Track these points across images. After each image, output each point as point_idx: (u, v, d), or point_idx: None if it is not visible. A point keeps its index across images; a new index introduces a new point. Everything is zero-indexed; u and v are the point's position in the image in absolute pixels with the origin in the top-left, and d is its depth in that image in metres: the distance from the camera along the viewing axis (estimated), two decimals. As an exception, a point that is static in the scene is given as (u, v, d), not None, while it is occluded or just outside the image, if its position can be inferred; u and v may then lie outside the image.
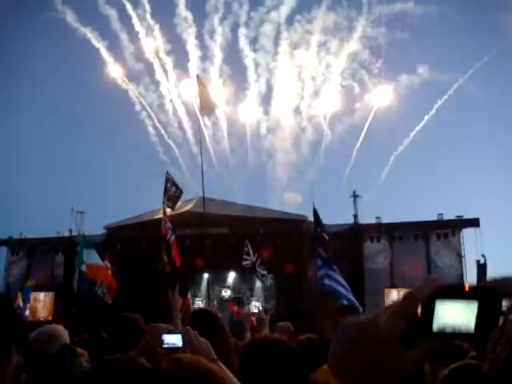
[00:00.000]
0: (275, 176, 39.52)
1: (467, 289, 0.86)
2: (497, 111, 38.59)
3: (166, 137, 38.54)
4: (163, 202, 19.51)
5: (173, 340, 2.62)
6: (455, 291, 0.86)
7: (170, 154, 38.11)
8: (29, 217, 38.17)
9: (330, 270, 17.47)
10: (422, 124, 35.69)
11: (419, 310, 0.87)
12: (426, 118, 35.51)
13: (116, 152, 43.26)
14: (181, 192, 20.03)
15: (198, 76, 21.92)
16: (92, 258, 18.33)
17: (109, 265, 20.87)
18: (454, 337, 0.86)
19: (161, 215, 19.76)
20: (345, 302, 15.98)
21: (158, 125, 38.49)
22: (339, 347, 0.91)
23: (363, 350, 0.87)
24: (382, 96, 35.74)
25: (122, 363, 2.06)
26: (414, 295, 0.87)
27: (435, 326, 0.85)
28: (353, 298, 16.13)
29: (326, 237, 19.57)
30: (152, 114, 38.60)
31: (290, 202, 32.95)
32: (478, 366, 2.06)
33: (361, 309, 15.78)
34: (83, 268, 18.46)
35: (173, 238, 19.14)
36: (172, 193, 19.79)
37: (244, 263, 23.30)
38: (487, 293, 0.86)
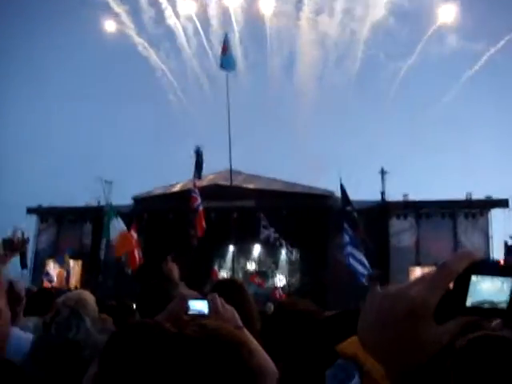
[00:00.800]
0: (304, 151, 39.38)
1: (503, 263, 0.84)
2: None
3: (193, 108, 38.58)
4: (194, 175, 19.90)
5: (199, 306, 2.62)
6: (491, 267, 0.83)
7: (198, 126, 38.14)
8: (58, 186, 38.62)
9: (355, 249, 17.50)
10: (449, 98, 35.12)
11: (452, 284, 0.84)
12: (454, 92, 34.95)
13: (145, 122, 43.49)
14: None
15: (226, 35, 21.91)
16: (119, 227, 18.53)
17: (135, 235, 21.10)
18: (487, 313, 0.83)
19: (189, 187, 20.01)
20: (364, 282, 16.05)
21: (183, 96, 38.54)
22: (370, 318, 0.88)
23: (394, 322, 0.84)
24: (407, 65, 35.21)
25: (144, 327, 2.08)
26: (450, 267, 0.84)
27: (469, 301, 0.82)
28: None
29: (355, 214, 19.57)
30: (175, 83, 38.61)
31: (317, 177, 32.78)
32: (500, 336, 2.04)
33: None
34: (111, 238, 18.69)
35: (200, 207, 19.46)
36: (199, 165, 20.19)
37: (262, 236, 23.42)
38: None
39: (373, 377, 0.80)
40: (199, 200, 19.78)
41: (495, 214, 24.53)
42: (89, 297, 4.21)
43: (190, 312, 2.64)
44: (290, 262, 28.89)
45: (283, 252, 27.80)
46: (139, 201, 28.43)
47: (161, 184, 29.30)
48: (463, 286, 0.82)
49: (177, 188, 27.36)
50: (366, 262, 17.10)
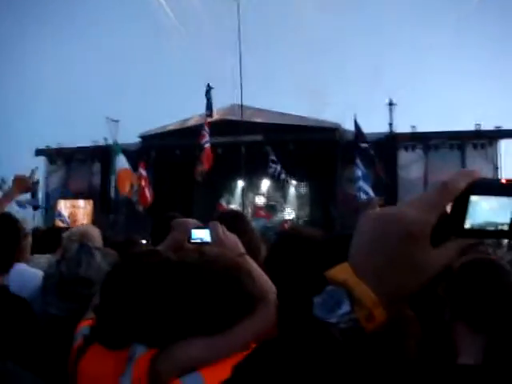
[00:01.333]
0: (311, 84, 38.92)
1: (505, 182, 0.79)
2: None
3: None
4: (206, 113, 20.03)
5: (201, 234, 2.64)
6: (491, 186, 0.79)
7: (204, 62, 37.68)
8: (66, 127, 38.56)
9: (366, 184, 17.56)
10: (456, 26, 34.37)
11: (449, 206, 0.80)
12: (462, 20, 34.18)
13: (150, 61, 42.98)
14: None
15: None
16: (121, 164, 18.65)
17: (144, 173, 21.19)
18: (487, 234, 0.79)
19: (195, 123, 20.06)
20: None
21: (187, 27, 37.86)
22: (362, 241, 0.83)
23: (389, 244, 0.79)
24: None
25: (146, 255, 2.11)
26: (449, 186, 0.80)
27: (468, 223, 0.78)
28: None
29: (372, 152, 19.53)
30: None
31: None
32: (490, 260, 2.04)
33: None
34: (117, 174, 18.85)
35: (207, 144, 19.59)
36: (209, 100, 20.27)
37: (270, 170, 23.49)
38: None
39: (363, 304, 0.77)
40: (207, 137, 19.87)
41: (505, 144, 24.35)
42: (94, 231, 4.27)
43: (193, 240, 2.67)
44: (298, 195, 29.05)
45: (292, 186, 27.86)
46: (146, 138, 28.36)
47: (168, 122, 29.15)
48: (462, 207, 0.78)
49: (185, 125, 27.21)
50: (372, 194, 17.18)
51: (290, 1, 40.10)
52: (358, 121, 21.15)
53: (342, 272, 0.81)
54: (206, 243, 2.57)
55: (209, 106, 20.88)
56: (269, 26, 39.73)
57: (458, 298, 1.46)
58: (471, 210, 0.78)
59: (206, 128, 19.88)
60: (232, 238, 2.47)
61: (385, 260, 0.79)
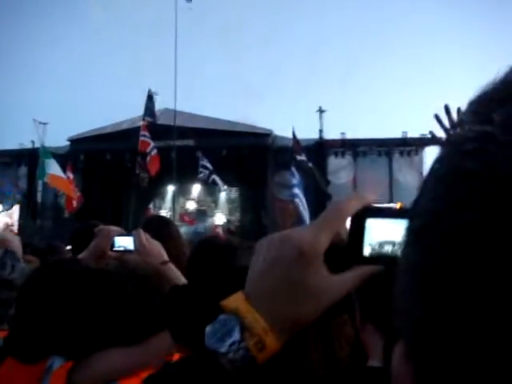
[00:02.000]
0: (246, 90, 39.07)
1: (399, 208, 0.80)
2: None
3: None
4: (143, 118, 19.79)
5: (124, 242, 2.60)
6: (386, 210, 0.78)
7: (139, 62, 37.27)
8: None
9: (301, 192, 17.82)
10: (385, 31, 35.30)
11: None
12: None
13: (80, 60, 42.16)
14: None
15: None
16: (53, 168, 18.17)
17: (71, 176, 20.76)
18: (387, 261, 0.74)
19: (127, 127, 19.82)
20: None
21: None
22: (255, 266, 0.79)
23: (280, 267, 0.76)
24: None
25: (64, 264, 2.05)
26: (342, 207, 0.78)
27: (366, 250, 0.76)
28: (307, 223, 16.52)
29: (310, 164, 19.80)
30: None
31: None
32: None
33: None
34: (46, 179, 18.33)
35: (154, 151, 19.47)
36: (151, 107, 20.12)
37: (199, 176, 23.49)
38: None
39: (254, 331, 0.74)
40: (152, 143, 19.70)
41: (430, 152, 25.06)
42: (12, 237, 4.14)
43: (116, 248, 2.62)
44: (229, 200, 29.09)
45: (223, 191, 27.88)
46: (75, 142, 27.79)
47: (99, 125, 28.66)
48: (358, 231, 0.76)
49: (116, 129, 26.80)
50: (305, 204, 17.43)
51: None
52: (289, 126, 21.43)
53: (235, 300, 0.77)
54: (130, 251, 2.54)
55: (150, 113, 20.59)
56: (204, 26, 39.69)
57: (365, 298, 1.47)
58: (368, 232, 0.76)
59: (147, 133, 19.61)
60: (156, 246, 2.45)
61: (276, 284, 0.76)
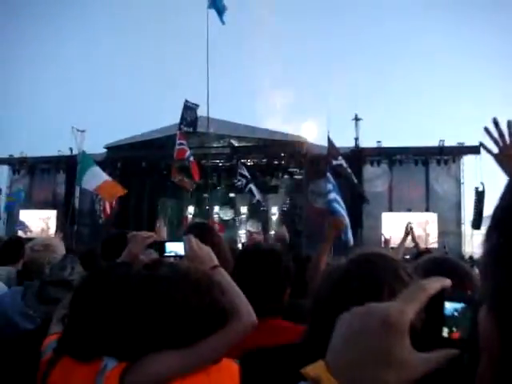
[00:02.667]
0: (279, 99, 39.12)
1: (469, 294, 0.82)
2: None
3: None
4: (179, 128, 19.94)
5: (174, 248, 2.64)
6: (465, 296, 0.81)
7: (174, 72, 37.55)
8: (30, 136, 38.02)
9: (338, 195, 17.73)
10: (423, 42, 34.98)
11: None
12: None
13: (118, 71, 42.73)
14: (196, 117, 20.37)
15: None
16: (98, 176, 18.05)
17: (110, 183, 21.02)
18: (464, 344, 0.77)
19: (162, 134, 19.97)
20: (348, 236, 16.23)
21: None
22: (337, 337, 0.80)
23: (364, 338, 0.76)
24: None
25: (117, 268, 2.10)
26: (423, 285, 0.81)
27: (445, 331, 0.79)
28: (349, 233, 16.37)
29: (347, 167, 19.72)
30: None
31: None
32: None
33: (351, 242, 15.88)
34: (86, 186, 18.36)
35: (192, 158, 19.67)
36: (190, 117, 20.26)
37: (237, 184, 23.51)
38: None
39: None
40: (188, 150, 19.86)
41: (467, 160, 24.77)
42: (57, 242, 4.23)
43: (167, 254, 2.66)
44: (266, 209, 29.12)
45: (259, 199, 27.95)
46: (112, 149, 28.13)
47: (135, 133, 28.97)
48: (438, 312, 0.80)
49: (152, 136, 27.05)
50: (344, 207, 17.35)
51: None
52: (326, 136, 21.39)
53: (316, 368, 0.78)
54: (180, 256, 2.57)
55: (187, 123, 20.76)
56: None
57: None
58: (446, 317, 0.79)
59: (184, 141, 19.80)
60: (206, 251, 2.48)
61: (360, 355, 0.76)
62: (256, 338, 2.13)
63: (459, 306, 0.80)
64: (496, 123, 2.35)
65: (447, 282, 0.82)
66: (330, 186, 18.09)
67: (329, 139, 20.32)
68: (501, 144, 2.35)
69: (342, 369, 0.76)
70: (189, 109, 20.42)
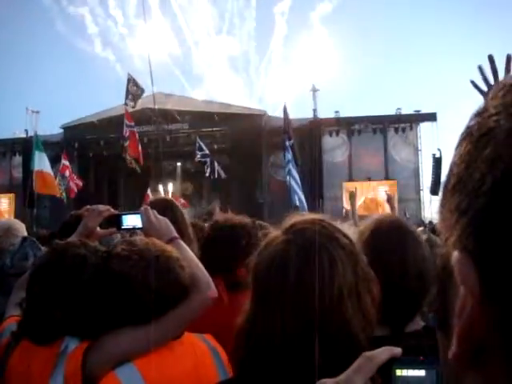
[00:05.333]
0: (235, 72, 38.98)
1: (421, 359, 0.88)
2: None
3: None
4: (125, 103, 19.42)
5: (132, 221, 2.59)
6: (414, 361, 0.87)
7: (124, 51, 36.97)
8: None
9: (293, 168, 17.77)
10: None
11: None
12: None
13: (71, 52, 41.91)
14: (142, 90, 19.82)
15: None
16: (42, 163, 17.96)
17: (67, 163, 20.71)
18: None
19: (119, 113, 19.60)
20: (297, 203, 16.36)
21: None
22: None
23: None
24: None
25: (73, 247, 2.07)
26: (372, 358, 0.90)
27: None
28: (303, 199, 16.49)
29: (292, 142, 19.76)
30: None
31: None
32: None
33: (306, 208, 16.05)
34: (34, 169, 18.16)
35: (127, 134, 19.13)
36: (133, 92, 19.67)
37: (199, 159, 23.33)
38: None
39: None
40: (129, 129, 19.43)
41: (424, 128, 25.11)
42: (19, 225, 4.15)
43: (124, 226, 2.62)
44: (225, 182, 29.07)
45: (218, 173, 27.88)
46: (68, 129, 27.68)
47: (90, 112, 28.52)
48: (387, 381, 0.86)
49: (108, 115, 26.69)
50: (299, 183, 17.42)
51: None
52: (283, 107, 21.35)
53: None
54: (138, 229, 2.54)
55: (132, 97, 20.27)
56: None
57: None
58: (396, 381, 0.86)
59: (126, 121, 19.34)
60: (163, 222, 2.45)
61: None
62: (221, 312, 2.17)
63: (416, 372, 0.86)
64: (492, 60, 2.37)
65: (396, 351, 0.90)
66: (288, 156, 18.16)
67: (285, 110, 20.24)
68: (491, 82, 2.38)
69: None
70: (132, 82, 19.92)
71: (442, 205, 0.54)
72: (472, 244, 0.48)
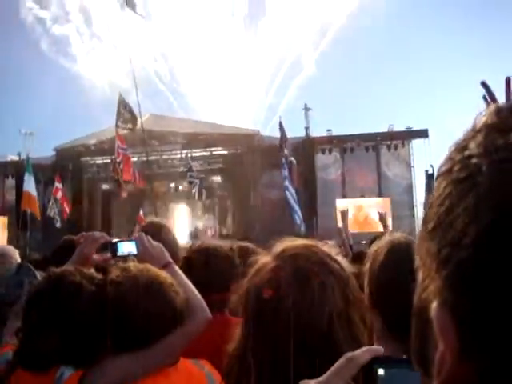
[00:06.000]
0: (227, 91, 39.12)
1: (405, 357, 0.86)
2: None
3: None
4: (116, 125, 19.33)
5: (127, 248, 2.60)
6: (395, 360, 0.87)
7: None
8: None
9: (290, 185, 17.82)
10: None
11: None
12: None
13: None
14: (135, 119, 19.77)
15: None
16: (29, 185, 18.18)
17: (60, 186, 20.69)
18: None
19: (111, 134, 19.57)
20: (298, 222, 16.43)
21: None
22: None
23: None
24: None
25: (68, 275, 2.08)
26: (353, 358, 0.90)
27: None
28: (301, 217, 16.56)
29: (292, 159, 19.81)
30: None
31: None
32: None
33: (303, 228, 16.13)
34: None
35: (120, 159, 19.09)
36: (126, 117, 19.60)
37: (189, 179, 23.34)
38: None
39: None
40: (122, 152, 19.37)
41: (416, 144, 25.18)
42: (11, 251, 4.14)
43: (119, 254, 2.63)
44: (218, 202, 29.02)
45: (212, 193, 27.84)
46: (62, 151, 27.65)
47: (83, 134, 28.50)
48: (368, 380, 0.86)
49: (102, 137, 26.69)
50: (296, 199, 17.48)
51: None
52: (276, 126, 21.41)
53: None
54: (134, 255, 2.55)
55: (125, 119, 20.20)
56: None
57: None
58: (380, 381, 0.85)
59: (119, 143, 19.22)
60: (158, 248, 2.47)
61: None
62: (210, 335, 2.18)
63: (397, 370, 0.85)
64: (485, 86, 2.40)
65: (378, 350, 0.90)
66: (284, 173, 18.20)
67: (281, 125, 20.27)
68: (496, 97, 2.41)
69: None
70: (125, 103, 19.82)
71: (420, 245, 0.55)
72: (452, 298, 0.47)
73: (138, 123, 19.94)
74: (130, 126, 19.58)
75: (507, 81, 2.41)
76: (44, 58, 40.57)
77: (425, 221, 0.54)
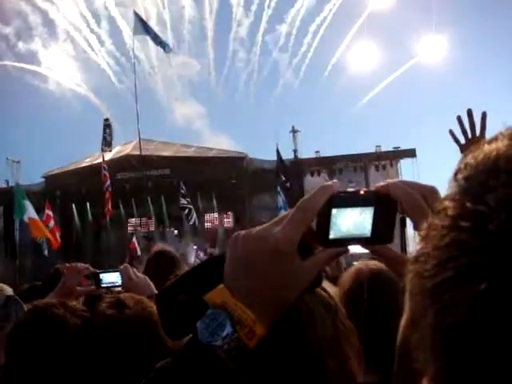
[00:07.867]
0: (214, 116, 39.21)
1: (362, 193, 0.86)
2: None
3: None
4: (102, 149, 19.48)
5: (111, 278, 2.60)
6: (350, 198, 0.85)
7: (105, 96, 36.99)
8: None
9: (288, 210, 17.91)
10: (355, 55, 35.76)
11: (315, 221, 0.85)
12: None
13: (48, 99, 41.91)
14: (111, 137, 19.97)
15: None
16: (30, 211, 18.05)
17: (50, 213, 20.57)
18: (350, 241, 0.85)
19: (99, 161, 19.64)
20: None
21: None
22: (234, 263, 0.87)
23: (259, 262, 0.84)
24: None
25: (51, 308, 2.04)
26: (309, 204, 0.84)
27: (332, 234, 0.83)
28: None
29: (288, 185, 19.87)
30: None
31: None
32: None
33: None
34: (25, 219, 18.15)
35: (109, 189, 19.24)
36: (107, 135, 19.82)
37: (181, 205, 23.35)
38: (382, 198, 0.87)
39: (244, 323, 0.80)
40: (108, 179, 19.46)
41: (404, 164, 25.35)
42: (5, 287, 4.08)
43: (104, 284, 2.62)
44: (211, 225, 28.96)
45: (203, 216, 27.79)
46: (50, 178, 27.61)
47: (70, 160, 28.48)
48: (325, 220, 0.83)
49: (87, 162, 26.70)
50: None
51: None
52: (264, 149, 21.57)
53: (219, 295, 0.84)
54: (117, 286, 2.54)
55: (107, 142, 20.39)
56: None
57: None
58: (334, 221, 0.83)
59: (105, 166, 19.36)
60: (143, 280, 2.46)
61: (257, 279, 0.84)
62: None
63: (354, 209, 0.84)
64: (470, 114, 2.44)
65: (333, 188, 0.84)
66: (280, 201, 18.28)
67: (278, 152, 20.41)
68: (469, 135, 2.45)
69: (245, 293, 0.84)
70: (108, 127, 20.11)
71: (413, 279, 0.51)
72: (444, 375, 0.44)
73: (123, 143, 20.14)
74: (110, 148, 19.86)
75: (483, 115, 2.46)
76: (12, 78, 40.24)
77: (415, 258, 0.51)
